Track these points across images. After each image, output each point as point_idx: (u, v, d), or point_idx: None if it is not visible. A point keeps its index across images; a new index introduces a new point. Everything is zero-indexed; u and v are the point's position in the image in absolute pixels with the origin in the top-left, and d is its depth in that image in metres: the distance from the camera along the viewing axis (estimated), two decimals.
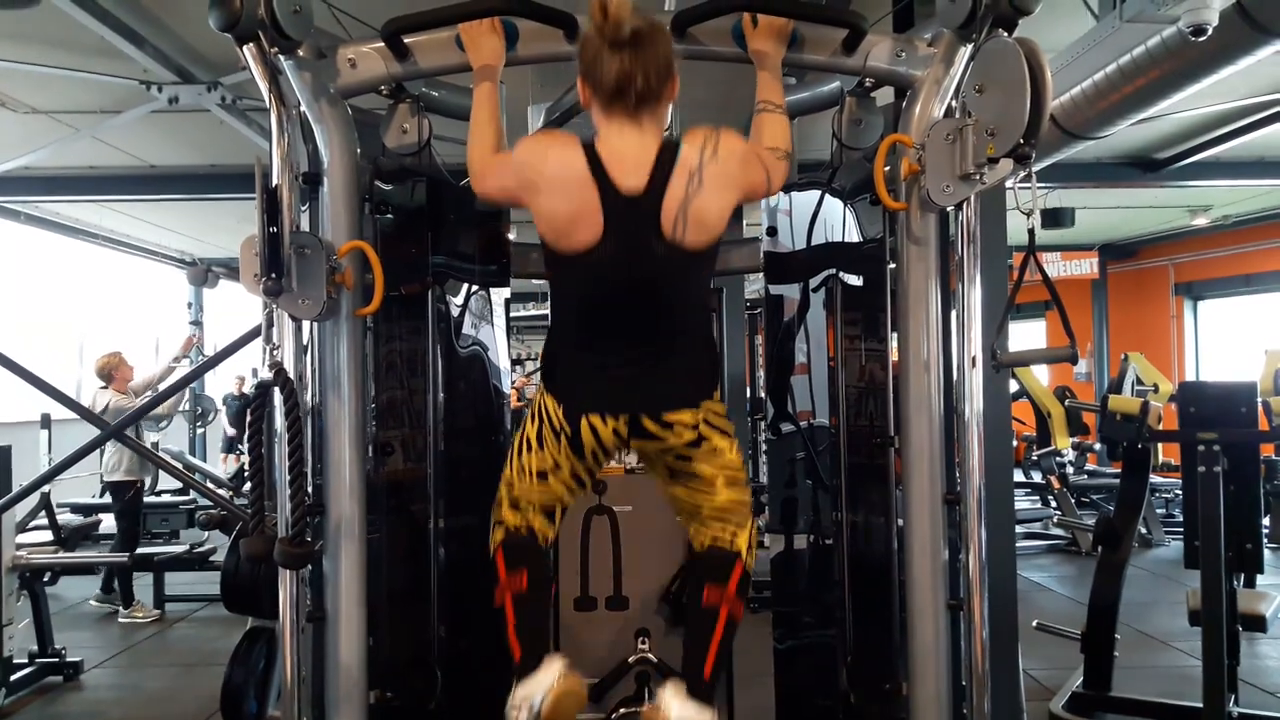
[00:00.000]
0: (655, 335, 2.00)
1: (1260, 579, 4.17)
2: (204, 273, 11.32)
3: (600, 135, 1.97)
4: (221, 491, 7.88)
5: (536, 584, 2.05)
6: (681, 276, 1.99)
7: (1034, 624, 4.51)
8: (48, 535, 5.95)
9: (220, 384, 13.25)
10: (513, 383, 3.26)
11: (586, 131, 1.98)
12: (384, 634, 2.33)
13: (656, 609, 2.55)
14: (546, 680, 1.91)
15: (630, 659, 2.55)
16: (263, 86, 2.01)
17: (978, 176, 1.91)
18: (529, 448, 2.06)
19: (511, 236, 2.74)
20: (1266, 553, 4.20)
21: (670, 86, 1.96)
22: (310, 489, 2.10)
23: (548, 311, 2.24)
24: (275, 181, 1.98)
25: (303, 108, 2.13)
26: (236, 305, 11.95)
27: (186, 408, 10.97)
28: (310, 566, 2.13)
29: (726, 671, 2.58)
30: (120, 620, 6.42)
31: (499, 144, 2.08)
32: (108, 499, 7.30)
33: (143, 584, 6.65)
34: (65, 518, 6.77)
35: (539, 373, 2.08)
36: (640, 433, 2.00)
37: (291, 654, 2.09)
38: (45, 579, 5.31)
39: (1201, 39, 3.34)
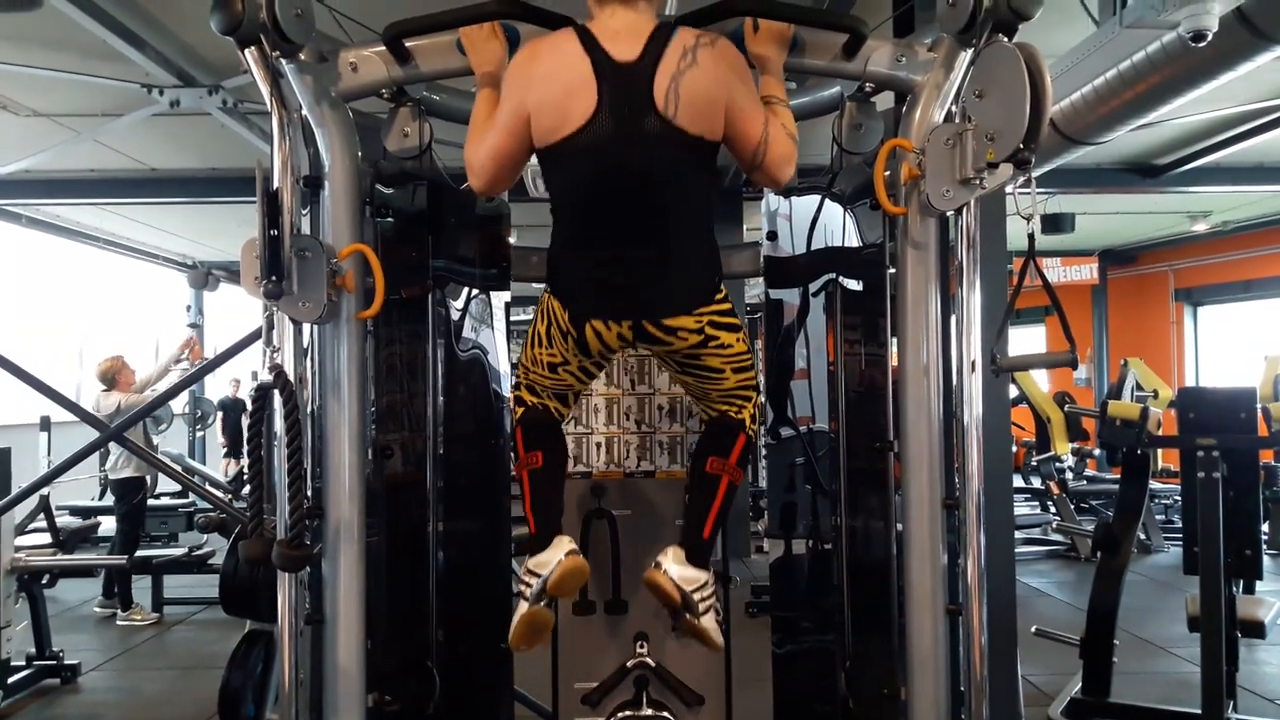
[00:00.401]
0: (652, 234, 2.01)
1: (1259, 585, 4.17)
2: (204, 276, 11.32)
3: (593, 17, 2.01)
4: (220, 494, 7.88)
5: (551, 461, 2.20)
6: (676, 165, 1.98)
7: (1033, 629, 4.51)
8: (46, 538, 5.96)
9: (221, 387, 13.24)
10: (513, 386, 3.23)
11: None
12: (382, 637, 2.32)
13: (655, 613, 2.54)
14: (554, 557, 2.07)
15: (629, 663, 2.55)
16: (264, 90, 2.01)
17: (977, 181, 1.90)
18: (539, 342, 2.15)
19: (512, 240, 2.74)
20: (1266, 559, 4.21)
21: None
22: (309, 492, 2.10)
23: None
24: (276, 185, 1.97)
25: (304, 111, 2.13)
26: (237, 308, 11.96)
27: (186, 410, 10.96)
28: (309, 569, 2.12)
29: (725, 674, 2.58)
30: (118, 623, 6.42)
31: None
32: (108, 501, 7.30)
33: (141, 587, 6.65)
34: (64, 520, 6.78)
35: (545, 272, 2.15)
36: (644, 336, 2.06)
37: (290, 657, 2.08)
38: (43, 581, 5.32)
39: (1201, 45, 3.35)
